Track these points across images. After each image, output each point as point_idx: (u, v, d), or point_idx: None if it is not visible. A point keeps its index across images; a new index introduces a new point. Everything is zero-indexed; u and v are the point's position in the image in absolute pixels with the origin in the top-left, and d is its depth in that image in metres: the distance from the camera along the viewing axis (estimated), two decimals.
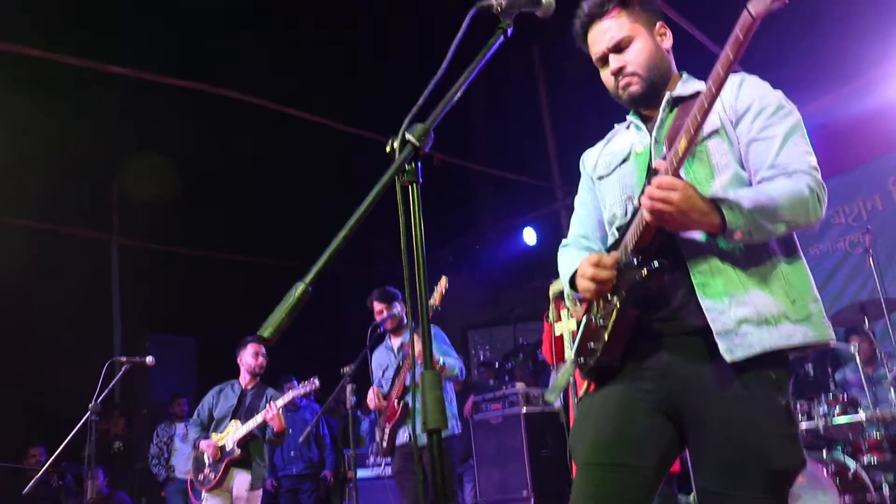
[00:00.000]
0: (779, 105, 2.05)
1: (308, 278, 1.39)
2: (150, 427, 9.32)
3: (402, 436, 5.35)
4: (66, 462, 7.67)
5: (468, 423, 7.06)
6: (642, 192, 1.88)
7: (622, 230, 2.10)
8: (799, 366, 6.54)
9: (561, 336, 5.75)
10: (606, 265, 2.03)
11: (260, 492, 5.86)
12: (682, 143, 1.82)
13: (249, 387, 6.03)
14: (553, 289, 5.90)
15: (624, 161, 2.25)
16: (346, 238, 1.42)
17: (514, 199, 11.47)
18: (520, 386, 7.05)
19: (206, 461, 5.79)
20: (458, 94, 1.64)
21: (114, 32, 7.27)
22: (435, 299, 5.19)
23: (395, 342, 5.67)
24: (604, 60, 2.21)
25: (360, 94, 8.69)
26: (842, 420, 5.22)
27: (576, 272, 2.15)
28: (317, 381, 5.92)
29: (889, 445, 5.16)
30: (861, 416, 5.18)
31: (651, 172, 1.97)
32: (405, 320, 5.62)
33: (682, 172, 1.88)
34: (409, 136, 1.52)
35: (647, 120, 2.23)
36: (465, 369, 5.69)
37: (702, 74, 2.13)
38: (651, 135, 2.16)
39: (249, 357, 6.01)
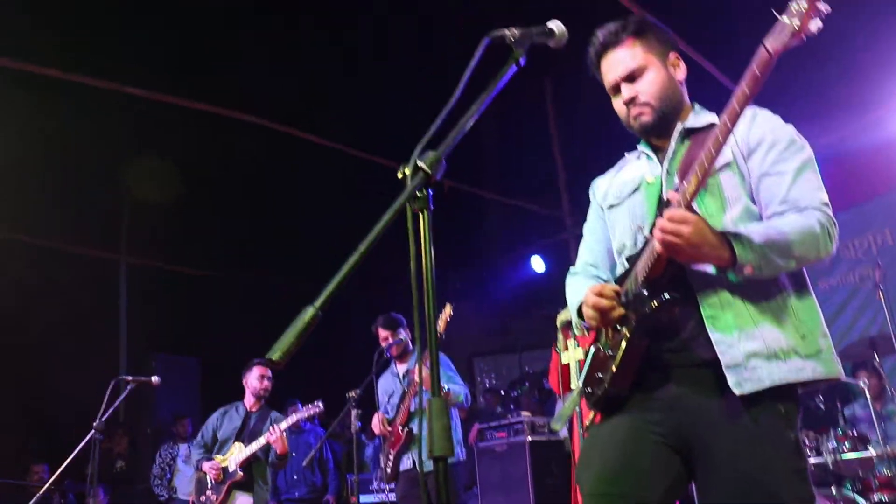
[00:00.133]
0: (791, 140, 2.05)
1: (318, 302, 1.39)
2: (154, 447, 9.28)
3: (406, 462, 5.33)
4: (69, 480, 7.65)
5: (473, 450, 7.02)
6: (653, 223, 1.88)
7: (632, 260, 2.10)
8: (809, 398, 6.49)
9: (568, 365, 5.73)
10: (608, 295, 2.04)
11: None
12: (695, 177, 1.83)
13: (254, 409, 6.01)
14: (560, 318, 5.89)
15: (635, 191, 2.25)
16: (357, 263, 1.42)
17: (522, 227, 11.48)
18: (525, 414, 7.02)
19: (209, 483, 5.77)
20: (471, 123, 1.65)
21: (126, 53, 7.33)
22: (440, 326, 5.18)
23: (401, 368, 5.65)
24: (616, 89, 2.22)
25: (367, 116, 8.73)
26: (851, 456, 5.16)
27: (583, 301, 2.15)
28: (321, 405, 5.90)
29: None
30: (871, 452, 5.13)
31: (663, 204, 1.98)
32: (410, 346, 5.62)
33: (694, 205, 1.89)
34: (420, 164, 1.53)
35: (659, 150, 2.23)
36: (471, 396, 5.67)
37: (712, 106, 2.14)
38: (662, 165, 2.16)
39: (255, 380, 6.00)
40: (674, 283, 1.98)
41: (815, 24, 1.62)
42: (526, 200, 11.00)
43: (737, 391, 1.89)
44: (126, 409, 9.48)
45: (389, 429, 5.44)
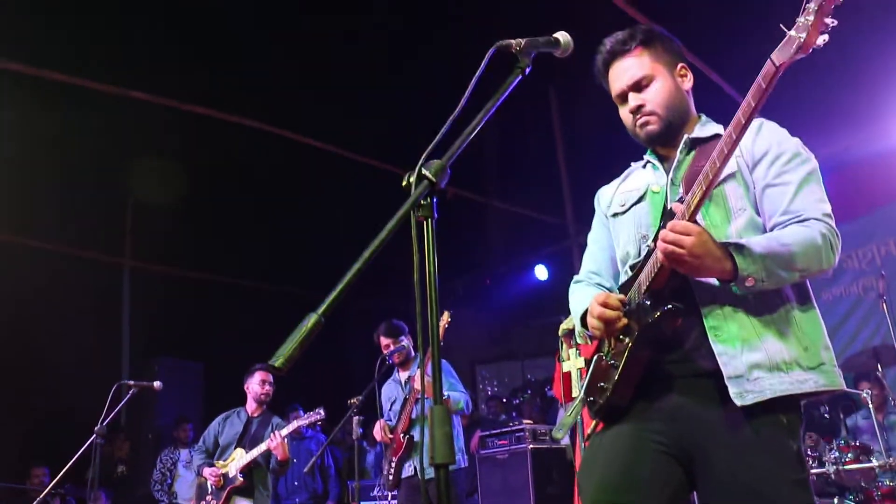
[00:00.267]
0: (796, 152, 2.06)
1: (321, 309, 1.40)
2: (155, 452, 9.27)
3: (408, 469, 5.32)
4: (69, 484, 7.64)
5: (474, 457, 7.02)
6: (657, 233, 1.88)
7: (636, 269, 2.10)
8: (814, 407, 6.48)
9: (569, 374, 5.73)
10: (613, 305, 2.04)
11: None
12: (699, 188, 1.84)
13: (256, 415, 6.01)
14: (562, 326, 5.89)
15: (639, 200, 2.25)
16: (361, 270, 1.43)
17: (526, 235, 11.48)
18: (527, 422, 7.01)
19: (209, 488, 5.76)
20: (475, 132, 1.65)
21: (130, 56, 7.35)
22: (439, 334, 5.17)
23: (403, 375, 5.65)
24: (623, 98, 2.23)
25: (373, 125, 8.74)
26: (854, 467, 5.15)
27: (587, 310, 2.16)
28: (322, 412, 5.90)
29: None
30: (873, 463, 5.12)
31: (667, 214, 1.98)
32: (413, 353, 5.62)
33: (698, 216, 1.89)
34: (425, 172, 1.54)
35: (665, 160, 2.24)
36: (472, 403, 5.67)
37: (721, 119, 2.15)
38: (668, 175, 2.17)
39: (256, 385, 6.00)
40: (676, 294, 1.98)
41: (821, 39, 1.63)
42: (530, 208, 11.01)
43: (738, 402, 1.89)
44: (128, 414, 9.49)
45: (391, 436, 5.44)
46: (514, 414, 9.95)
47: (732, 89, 7.40)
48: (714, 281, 1.96)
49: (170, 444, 9.03)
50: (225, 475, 5.73)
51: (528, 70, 1.77)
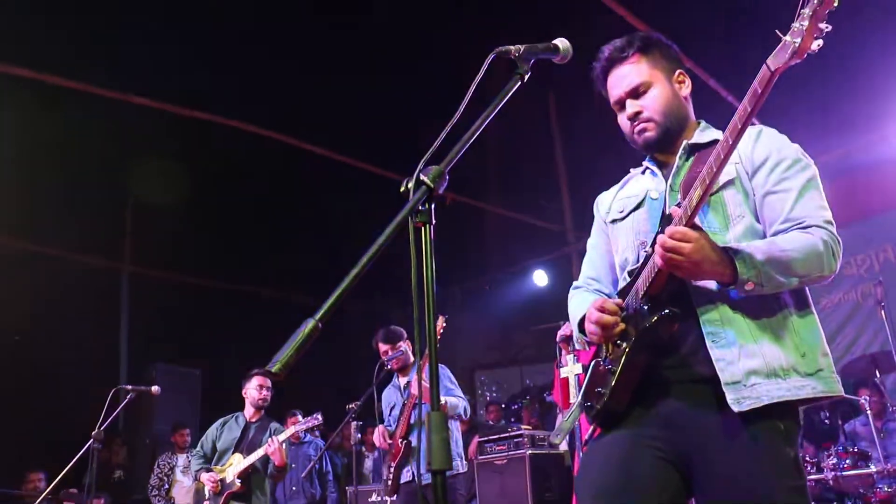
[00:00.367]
0: (795, 159, 2.06)
1: (319, 314, 1.39)
2: (152, 457, 9.26)
3: (407, 474, 5.32)
4: (66, 489, 7.62)
5: (472, 463, 7.01)
6: (655, 238, 1.89)
7: (634, 275, 2.10)
8: (814, 413, 6.49)
9: (566, 379, 5.73)
10: (610, 310, 2.05)
11: None
12: (697, 193, 1.84)
13: (254, 420, 6.00)
14: (560, 332, 5.90)
15: (638, 206, 2.26)
16: (358, 276, 1.43)
17: (525, 241, 11.49)
18: (526, 428, 7.00)
19: (207, 494, 5.75)
20: (474, 137, 1.65)
21: (135, 62, 7.36)
22: None
23: (403, 381, 5.65)
24: (621, 104, 2.23)
25: (372, 131, 8.76)
26: (852, 473, 5.15)
27: (584, 316, 2.16)
28: (319, 417, 5.89)
29: None
30: (872, 469, 5.12)
31: (665, 219, 1.98)
32: (411, 359, 5.61)
33: (696, 221, 1.89)
34: (423, 178, 1.54)
35: (663, 166, 2.24)
36: (471, 409, 5.67)
37: (718, 124, 2.15)
38: (667, 181, 2.17)
39: (253, 390, 5.99)
40: (674, 299, 1.98)
41: (815, 44, 1.63)
42: (529, 215, 11.03)
43: (735, 408, 1.89)
44: (125, 419, 9.48)
45: (390, 441, 5.43)
46: (512, 420, 9.94)
47: (731, 95, 7.41)
48: (712, 286, 1.96)
49: (167, 450, 9.02)
50: (223, 480, 5.72)
51: (527, 76, 1.78)
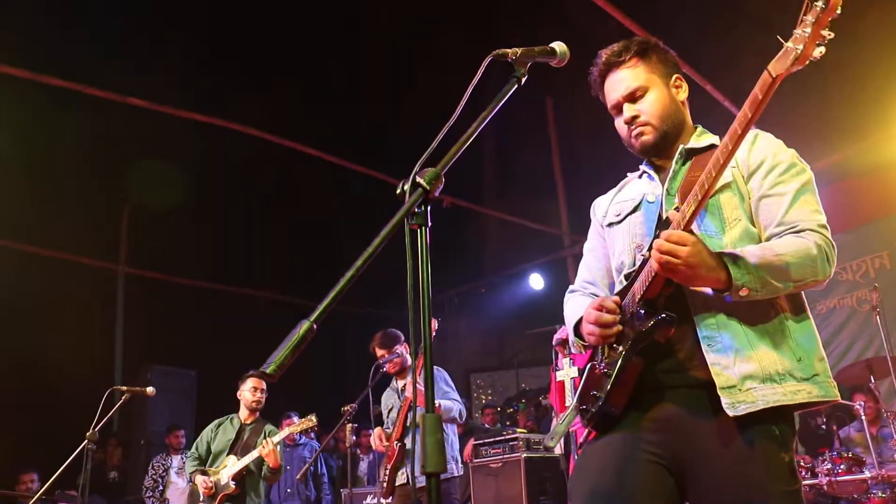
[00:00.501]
0: (791, 163, 2.06)
1: (313, 316, 1.39)
2: (147, 458, 9.24)
3: (402, 477, 5.31)
4: (60, 490, 7.59)
5: (468, 466, 6.99)
6: (652, 242, 1.89)
7: (630, 279, 2.10)
8: (811, 418, 6.49)
9: (562, 382, 5.73)
10: (610, 309, 2.05)
11: None
12: (694, 198, 1.84)
13: (248, 422, 5.99)
14: (557, 336, 5.90)
15: (635, 210, 2.26)
16: (353, 278, 1.42)
17: (521, 244, 11.50)
18: (521, 431, 6.99)
19: (201, 495, 5.74)
20: (470, 140, 1.65)
21: (134, 64, 7.37)
22: None
23: (400, 383, 5.64)
24: (618, 109, 2.23)
25: (369, 134, 8.76)
26: (846, 478, 5.15)
27: (580, 319, 2.16)
28: (314, 419, 5.88)
29: None
30: (866, 475, 5.12)
31: (662, 223, 1.98)
32: (408, 362, 5.61)
33: (693, 225, 1.89)
34: (419, 180, 1.53)
35: (660, 170, 2.24)
36: (467, 412, 5.66)
37: (718, 131, 2.15)
38: (663, 185, 2.17)
39: (248, 392, 5.99)
40: (670, 303, 1.98)
41: (818, 51, 1.63)
42: (526, 218, 11.03)
43: (730, 413, 1.89)
44: (120, 420, 9.46)
45: (386, 443, 5.42)
46: (507, 423, 9.93)
47: (728, 101, 7.43)
48: (708, 291, 1.96)
49: (162, 451, 8.99)
50: (217, 482, 5.71)
51: (524, 79, 1.78)
